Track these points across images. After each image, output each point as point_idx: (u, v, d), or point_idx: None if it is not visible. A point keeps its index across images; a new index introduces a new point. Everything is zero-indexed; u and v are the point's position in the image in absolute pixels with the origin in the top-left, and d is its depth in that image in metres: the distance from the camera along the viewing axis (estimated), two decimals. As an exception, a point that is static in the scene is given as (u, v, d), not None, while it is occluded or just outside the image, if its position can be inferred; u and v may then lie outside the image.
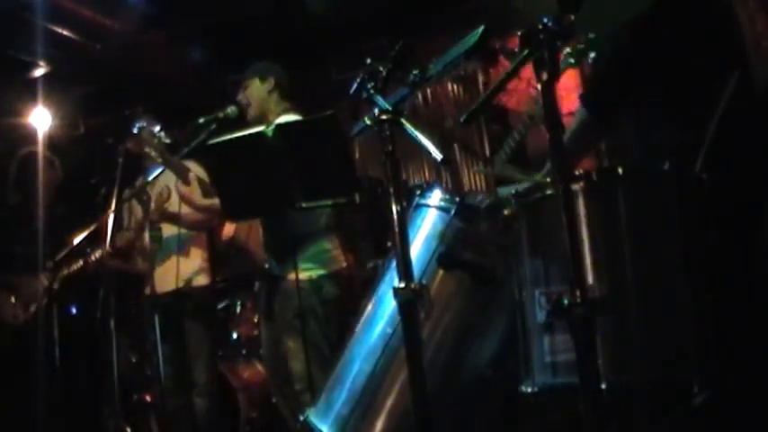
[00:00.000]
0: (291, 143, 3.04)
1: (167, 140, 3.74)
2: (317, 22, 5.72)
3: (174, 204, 4.13)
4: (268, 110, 3.75)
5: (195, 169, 4.21)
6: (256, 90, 3.78)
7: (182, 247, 4.20)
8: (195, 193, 3.88)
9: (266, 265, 3.73)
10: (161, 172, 3.87)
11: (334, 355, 2.60)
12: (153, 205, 3.99)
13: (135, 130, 3.91)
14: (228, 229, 4.03)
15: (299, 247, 3.49)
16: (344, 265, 3.72)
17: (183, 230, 4.22)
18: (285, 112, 3.73)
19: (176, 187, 3.84)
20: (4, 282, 4.38)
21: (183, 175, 3.83)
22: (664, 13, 2.19)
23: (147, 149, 3.85)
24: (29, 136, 4.58)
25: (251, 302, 4.83)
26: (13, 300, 4.34)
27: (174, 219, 4.14)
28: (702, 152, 1.98)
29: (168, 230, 4.27)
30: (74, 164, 5.53)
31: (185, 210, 4.06)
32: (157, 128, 3.81)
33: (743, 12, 2.15)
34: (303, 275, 3.47)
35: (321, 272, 3.58)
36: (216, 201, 3.91)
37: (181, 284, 4.19)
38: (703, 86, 2.18)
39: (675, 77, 2.21)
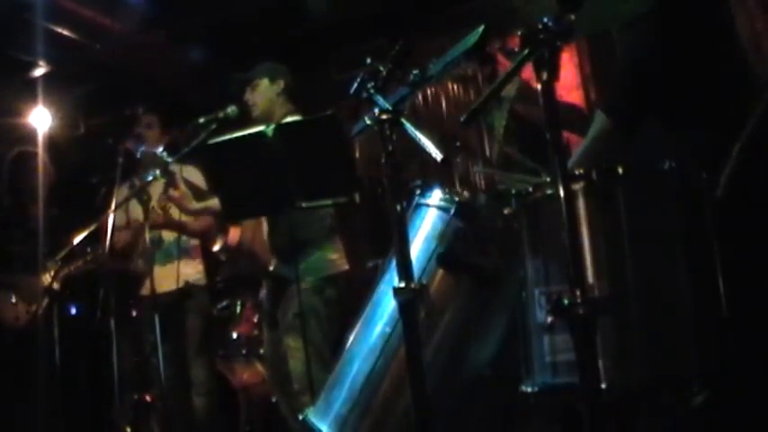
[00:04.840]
0: (291, 143, 3.04)
1: (169, 159, 3.76)
2: (316, 22, 5.72)
3: (175, 212, 4.17)
4: (273, 111, 3.74)
5: (193, 174, 4.23)
6: (264, 91, 3.76)
7: (181, 253, 4.23)
8: (186, 198, 3.93)
9: (271, 268, 3.74)
10: (164, 182, 3.90)
11: (334, 355, 2.60)
12: (157, 212, 4.02)
13: (138, 155, 3.96)
14: (235, 231, 4.05)
15: (303, 252, 3.49)
16: (345, 268, 3.73)
17: (183, 237, 4.25)
18: (289, 113, 3.73)
19: (168, 194, 3.86)
20: (5, 282, 4.38)
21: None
22: (665, 13, 2.19)
23: (151, 171, 3.89)
24: (28, 136, 4.59)
25: (251, 302, 4.83)
26: (14, 300, 4.34)
27: (178, 226, 4.18)
28: (728, 169, 1.96)
29: (168, 236, 4.30)
30: (74, 164, 5.54)
31: (186, 218, 4.10)
32: (160, 149, 3.84)
33: (741, 11, 2.15)
34: (306, 279, 3.47)
35: (323, 275, 3.59)
36: (209, 202, 3.94)
37: (181, 284, 4.22)
38: (715, 90, 2.17)
39: (690, 81, 2.20)
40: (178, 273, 4.20)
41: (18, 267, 4.38)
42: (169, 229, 4.26)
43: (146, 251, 4.17)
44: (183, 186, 3.96)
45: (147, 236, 3.93)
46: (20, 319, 4.31)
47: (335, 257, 3.68)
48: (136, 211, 4.17)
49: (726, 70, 2.25)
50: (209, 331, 4.41)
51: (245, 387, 4.64)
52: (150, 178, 3.84)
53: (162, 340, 3.77)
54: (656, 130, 2.29)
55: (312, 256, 3.56)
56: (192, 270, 4.34)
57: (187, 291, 4.27)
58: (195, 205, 3.98)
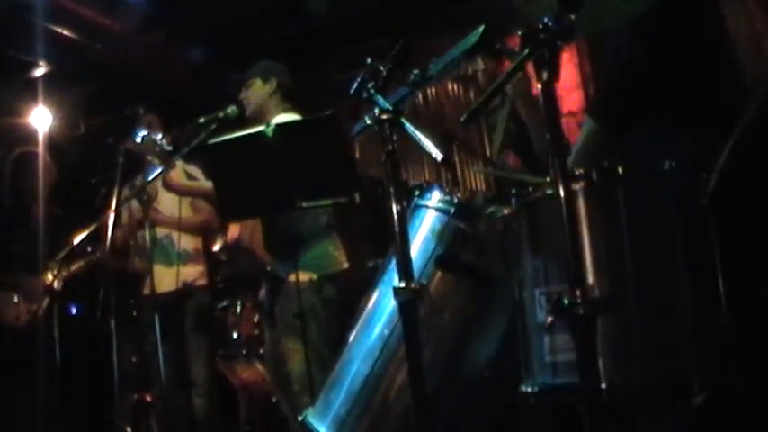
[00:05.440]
0: (291, 143, 3.04)
1: (169, 148, 3.75)
2: (316, 22, 5.72)
3: (162, 204, 4.14)
4: (267, 111, 3.74)
5: (195, 171, 4.23)
6: (257, 90, 3.77)
7: (182, 259, 4.24)
8: (181, 176, 3.96)
9: (268, 267, 3.74)
10: (161, 172, 3.88)
11: (333, 356, 2.60)
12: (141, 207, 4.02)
13: (138, 140, 3.93)
14: (234, 230, 4.05)
15: (301, 248, 3.49)
16: (345, 266, 3.72)
17: (183, 244, 4.24)
18: (284, 112, 3.73)
19: (163, 179, 3.85)
20: (6, 282, 4.38)
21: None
22: (665, 13, 2.19)
23: (149, 157, 3.88)
24: (29, 136, 4.58)
25: (251, 302, 4.83)
26: (15, 300, 4.34)
27: (167, 222, 4.19)
28: (715, 172, 1.97)
29: (163, 234, 4.29)
30: (74, 164, 5.54)
31: (183, 214, 4.10)
32: (159, 136, 3.83)
33: (741, 12, 2.14)
34: (304, 277, 3.46)
35: (322, 273, 3.58)
36: (203, 183, 3.95)
37: (180, 285, 4.22)
38: (704, 90, 2.18)
39: (681, 82, 2.20)
40: (178, 275, 4.21)
41: (19, 267, 4.38)
42: (167, 226, 4.26)
43: (141, 249, 4.17)
44: (179, 169, 3.96)
45: (147, 234, 3.93)
46: (21, 318, 4.31)
47: (336, 254, 3.69)
48: (137, 210, 4.18)
49: (724, 70, 2.26)
50: (208, 331, 4.41)
51: (245, 387, 4.64)
52: (151, 178, 3.84)
53: (162, 340, 3.77)
54: (653, 130, 2.29)
55: (311, 251, 3.56)
56: (191, 271, 4.34)
57: (186, 291, 4.27)
58: (188, 182, 4.00)
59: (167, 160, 3.74)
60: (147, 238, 3.95)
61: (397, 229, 2.01)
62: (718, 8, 2.21)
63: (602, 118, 2.33)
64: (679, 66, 2.20)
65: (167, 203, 4.27)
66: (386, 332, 2.29)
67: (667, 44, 2.21)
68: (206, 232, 4.50)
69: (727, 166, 1.99)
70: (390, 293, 2.02)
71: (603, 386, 1.73)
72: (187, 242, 4.38)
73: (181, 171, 4.05)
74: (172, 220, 4.23)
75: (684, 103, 2.22)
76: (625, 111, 2.28)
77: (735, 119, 2.05)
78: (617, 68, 2.34)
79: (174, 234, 4.32)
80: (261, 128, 3.13)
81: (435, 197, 2.42)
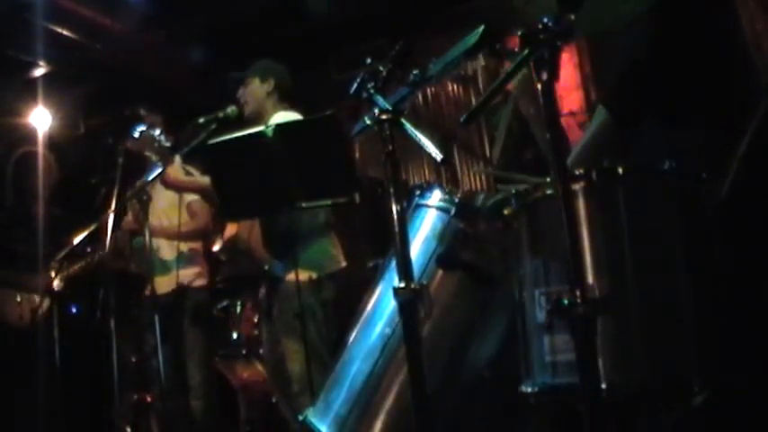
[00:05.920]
0: (291, 143, 3.04)
1: (167, 144, 3.74)
2: (317, 22, 5.72)
3: (158, 204, 4.14)
4: (265, 111, 3.74)
5: (193, 172, 4.23)
6: (255, 90, 3.78)
7: (181, 263, 4.24)
8: (179, 174, 3.94)
9: (266, 267, 3.74)
10: (161, 172, 3.89)
11: (334, 356, 2.60)
12: (132, 215, 4.01)
13: (136, 135, 3.92)
14: (231, 228, 4.04)
15: (300, 247, 3.49)
16: (344, 265, 3.72)
17: (184, 249, 4.25)
18: (282, 111, 3.73)
19: (161, 179, 3.84)
20: (9, 281, 4.38)
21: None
22: (665, 13, 2.19)
23: (147, 153, 3.87)
24: (29, 136, 4.59)
25: (251, 302, 4.83)
26: (18, 299, 4.34)
27: (166, 233, 4.19)
28: (730, 175, 1.97)
29: (160, 241, 4.28)
30: (74, 164, 5.55)
31: (182, 220, 4.12)
32: (158, 131, 3.82)
33: (743, 11, 2.15)
34: (303, 276, 3.46)
35: (321, 273, 3.58)
36: (200, 179, 3.94)
37: (175, 286, 4.21)
38: (706, 90, 2.18)
39: (683, 81, 2.20)
40: (177, 277, 4.21)
41: (22, 266, 4.38)
42: (165, 236, 4.25)
43: (138, 254, 4.17)
44: (177, 166, 3.96)
45: (147, 236, 3.93)
46: (23, 318, 4.31)
47: (335, 252, 3.69)
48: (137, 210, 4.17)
49: (727, 70, 2.26)
50: (205, 333, 4.40)
51: (245, 387, 4.64)
52: (151, 177, 3.84)
53: (161, 341, 3.77)
54: (657, 129, 2.29)
55: (309, 249, 3.55)
56: (187, 272, 4.34)
57: (182, 291, 4.26)
58: (186, 177, 4.01)
59: (166, 156, 3.74)
60: (147, 239, 3.95)
61: (397, 229, 2.01)
62: (731, 8, 2.21)
63: (615, 112, 2.31)
64: (686, 65, 2.20)
65: (164, 203, 4.26)
66: (387, 331, 2.29)
67: (670, 43, 2.21)
68: (204, 238, 4.50)
69: (737, 172, 1.99)
70: (391, 293, 2.02)
71: (603, 386, 1.73)
72: (182, 244, 4.37)
73: (179, 168, 4.04)
74: (172, 230, 4.22)
75: (686, 103, 2.22)
76: (636, 108, 2.28)
77: (740, 119, 2.05)
78: (629, 67, 2.33)
79: (164, 240, 4.31)
80: (261, 128, 3.14)
81: (436, 197, 2.42)
